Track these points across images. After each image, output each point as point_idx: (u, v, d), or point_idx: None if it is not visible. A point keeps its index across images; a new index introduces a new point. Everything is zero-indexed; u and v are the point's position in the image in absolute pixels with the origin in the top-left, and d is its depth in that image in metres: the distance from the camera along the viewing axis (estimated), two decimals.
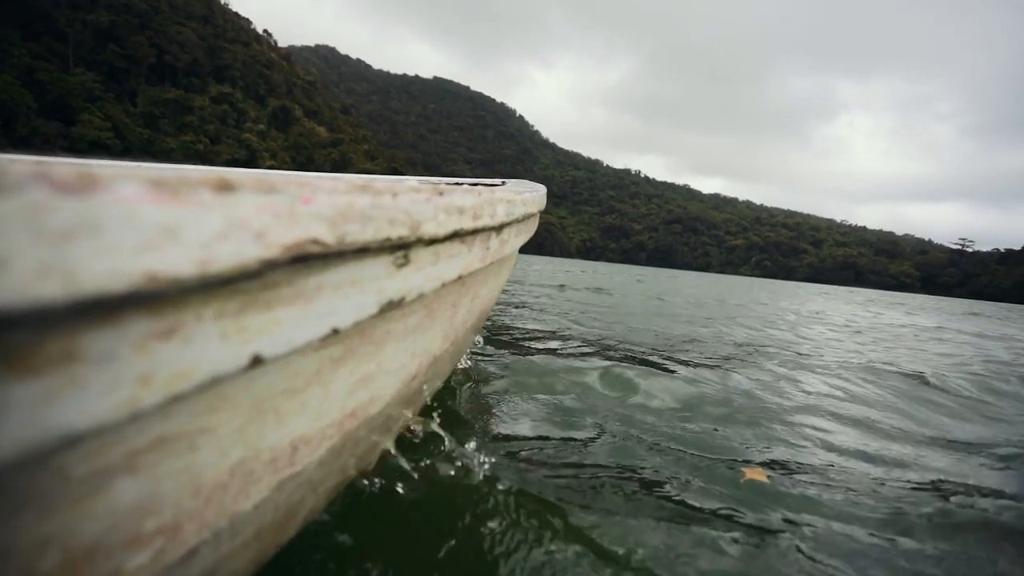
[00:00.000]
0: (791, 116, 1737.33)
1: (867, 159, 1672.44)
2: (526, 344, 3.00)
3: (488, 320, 3.88)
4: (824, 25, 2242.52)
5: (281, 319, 0.41)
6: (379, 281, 0.53)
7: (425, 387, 1.04)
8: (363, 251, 0.47)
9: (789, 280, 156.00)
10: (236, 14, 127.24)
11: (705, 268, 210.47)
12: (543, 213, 1.54)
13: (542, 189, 1.56)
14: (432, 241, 0.61)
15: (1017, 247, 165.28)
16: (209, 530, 0.45)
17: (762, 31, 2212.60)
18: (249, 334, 0.38)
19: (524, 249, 1.56)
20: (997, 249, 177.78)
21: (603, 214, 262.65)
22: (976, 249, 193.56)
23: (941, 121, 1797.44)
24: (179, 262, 0.30)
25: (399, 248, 0.54)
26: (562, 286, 8.21)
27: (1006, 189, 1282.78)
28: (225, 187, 0.33)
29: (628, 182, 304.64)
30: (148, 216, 0.29)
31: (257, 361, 0.39)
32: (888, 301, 21.85)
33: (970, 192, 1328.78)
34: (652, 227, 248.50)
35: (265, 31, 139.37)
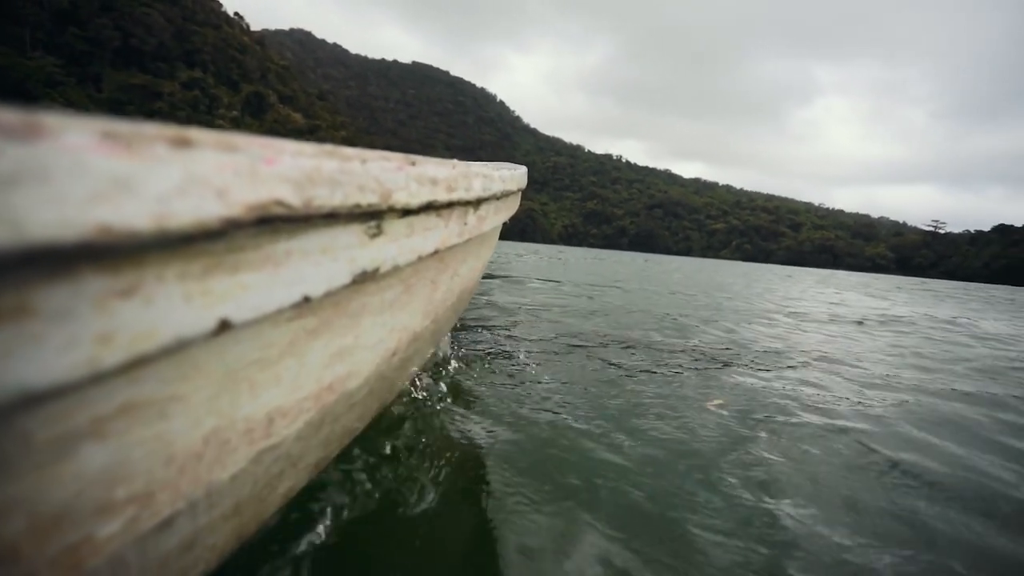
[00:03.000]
0: (769, 100, 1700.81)
1: (843, 143, 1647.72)
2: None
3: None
4: (800, 7, 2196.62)
5: (248, 283, 0.40)
6: (351, 250, 0.53)
7: (406, 364, 1.01)
8: (332, 217, 0.47)
9: (768, 263, 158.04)
10: None
11: (686, 252, 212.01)
12: (525, 199, 1.54)
13: (522, 168, 1.55)
14: (406, 212, 0.61)
15: (987, 228, 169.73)
16: (184, 500, 0.44)
17: (738, 13, 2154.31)
18: (215, 298, 0.37)
19: (506, 236, 1.55)
20: (968, 230, 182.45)
21: (585, 200, 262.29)
22: (948, 231, 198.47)
23: (914, 105, 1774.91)
24: (134, 216, 0.30)
25: (371, 217, 0.54)
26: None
27: (976, 172, 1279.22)
28: (183, 142, 0.32)
29: (609, 167, 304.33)
30: (99, 167, 0.28)
31: (225, 326, 0.39)
32: (884, 286, 21.85)
33: (942, 174, 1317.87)
34: (634, 212, 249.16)
35: (236, 14, 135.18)
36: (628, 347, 2.76)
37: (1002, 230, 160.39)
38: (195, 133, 0.34)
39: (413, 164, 0.61)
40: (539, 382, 1.91)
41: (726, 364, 2.59)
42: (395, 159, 0.57)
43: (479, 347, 2.38)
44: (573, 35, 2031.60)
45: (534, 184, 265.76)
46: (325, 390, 0.62)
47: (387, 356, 0.80)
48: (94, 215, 0.28)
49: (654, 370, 2.29)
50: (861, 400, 2.12)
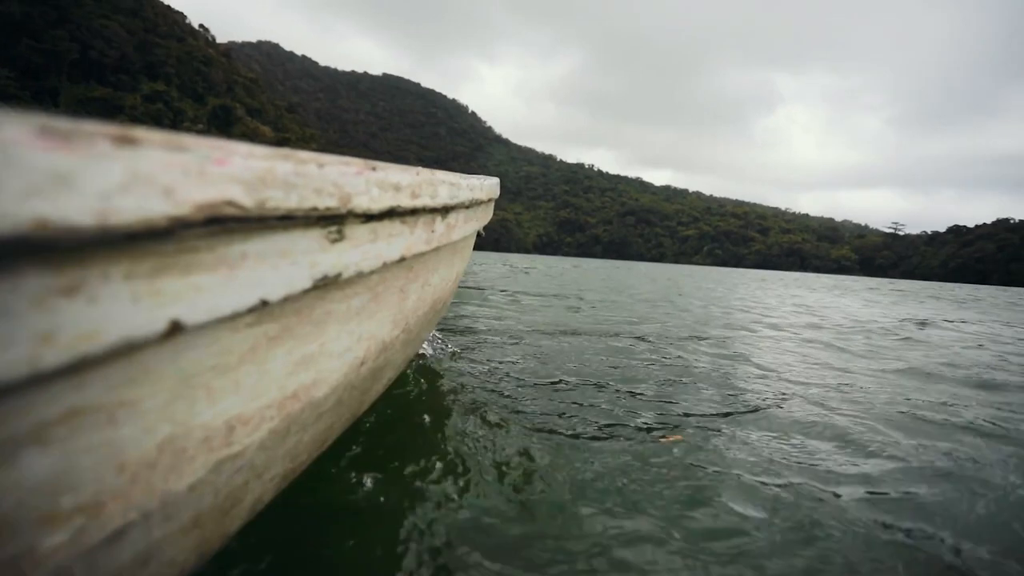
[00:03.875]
0: (733, 109, 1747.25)
1: (806, 149, 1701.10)
2: None
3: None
4: (758, 19, 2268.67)
5: (201, 285, 0.39)
6: (311, 255, 0.52)
7: (377, 374, 1.01)
8: (288, 219, 0.46)
9: (740, 267, 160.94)
10: (168, 7, 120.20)
11: (659, 259, 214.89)
12: (498, 209, 1.51)
13: (494, 179, 1.55)
14: (368, 217, 0.61)
15: (942, 229, 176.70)
16: (137, 510, 0.42)
17: (701, 24, 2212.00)
18: (165, 298, 0.36)
19: (480, 246, 1.49)
20: (925, 231, 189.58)
21: (558, 208, 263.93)
22: (907, 232, 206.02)
23: (869, 112, 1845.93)
24: (75, 211, 0.29)
25: (331, 221, 0.54)
26: None
27: (930, 175, 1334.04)
28: (127, 140, 0.32)
29: (581, 176, 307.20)
30: (35, 161, 0.27)
31: (177, 328, 0.37)
32: (854, 287, 22.14)
33: (898, 178, 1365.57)
34: (607, 220, 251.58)
35: (201, 26, 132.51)
36: (568, 386, 2.09)
37: (956, 231, 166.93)
38: (140, 132, 0.33)
39: (374, 169, 0.60)
40: (432, 453, 1.30)
41: (687, 410, 1.88)
42: (355, 164, 0.57)
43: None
44: (541, 45, 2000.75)
45: (507, 194, 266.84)
46: (289, 398, 0.61)
47: (355, 365, 0.78)
48: (30, 208, 0.27)
49: (595, 416, 1.70)
50: (867, 448, 1.61)
